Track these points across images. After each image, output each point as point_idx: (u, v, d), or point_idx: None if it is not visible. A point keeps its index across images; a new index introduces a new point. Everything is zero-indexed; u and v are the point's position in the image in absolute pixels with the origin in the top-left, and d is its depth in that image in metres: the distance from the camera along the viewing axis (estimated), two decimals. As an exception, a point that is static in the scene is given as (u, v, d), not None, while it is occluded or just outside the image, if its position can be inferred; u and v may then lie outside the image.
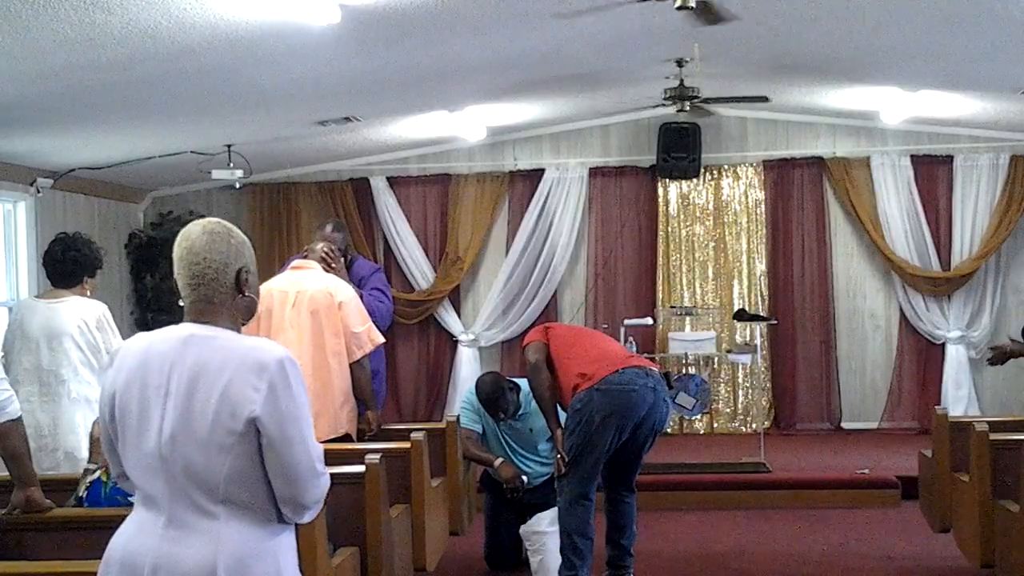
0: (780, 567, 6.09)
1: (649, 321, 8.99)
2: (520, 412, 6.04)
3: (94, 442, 4.24)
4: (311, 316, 5.60)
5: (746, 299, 10.16)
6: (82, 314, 5.33)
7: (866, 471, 7.85)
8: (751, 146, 10.23)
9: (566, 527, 5.23)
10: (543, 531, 5.61)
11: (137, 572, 2.48)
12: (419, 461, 5.71)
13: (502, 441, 6.14)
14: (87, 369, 5.35)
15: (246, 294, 2.63)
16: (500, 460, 6.05)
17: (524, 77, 8.02)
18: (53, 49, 5.16)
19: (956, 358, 9.85)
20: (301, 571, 2.68)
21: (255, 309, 2.69)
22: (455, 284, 10.29)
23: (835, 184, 10.08)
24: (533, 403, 5.68)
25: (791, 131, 10.20)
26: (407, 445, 5.69)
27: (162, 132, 7.90)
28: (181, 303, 2.61)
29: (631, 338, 8.55)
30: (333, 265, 5.99)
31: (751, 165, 10.22)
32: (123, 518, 2.63)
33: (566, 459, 5.21)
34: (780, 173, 10.17)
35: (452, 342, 10.40)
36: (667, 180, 10.18)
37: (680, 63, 7.88)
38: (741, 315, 9.07)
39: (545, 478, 5.99)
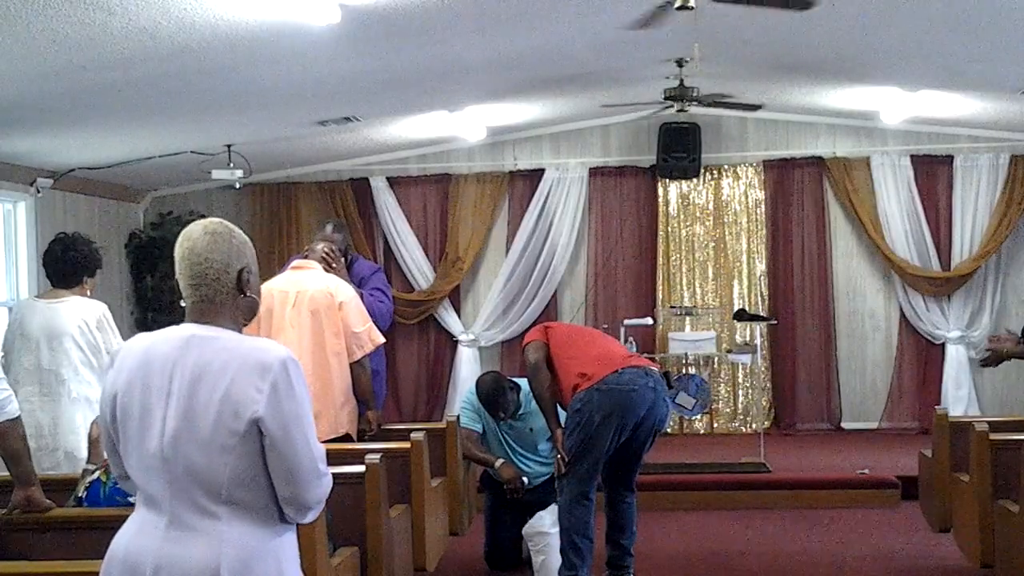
0: (780, 567, 6.08)
1: (649, 321, 8.99)
2: (520, 412, 6.04)
3: (92, 442, 4.24)
4: (311, 316, 5.61)
5: (746, 299, 10.15)
6: (82, 314, 5.32)
7: (866, 471, 7.84)
8: (751, 146, 10.23)
9: (566, 527, 5.23)
10: (546, 531, 5.60)
11: (139, 573, 2.47)
12: (419, 461, 5.72)
13: (502, 441, 6.14)
14: (87, 369, 5.34)
15: (248, 294, 2.62)
16: (501, 461, 6.05)
17: (524, 77, 8.01)
18: (53, 49, 5.16)
19: (956, 358, 9.85)
20: (302, 571, 2.68)
21: (257, 309, 2.69)
22: (455, 284, 10.29)
23: (835, 184, 10.08)
24: (533, 403, 5.67)
25: (791, 131, 10.19)
26: (407, 445, 5.71)
27: (162, 132, 7.90)
28: (182, 303, 2.61)
29: (631, 338, 8.56)
30: (333, 265, 6.00)
31: (751, 165, 10.21)
32: (123, 518, 2.63)
33: (566, 459, 5.21)
34: (780, 173, 10.17)
35: (452, 342, 10.39)
36: (667, 180, 10.18)
37: (680, 63, 7.88)
38: (741, 315, 9.06)
39: (545, 478, 5.99)
